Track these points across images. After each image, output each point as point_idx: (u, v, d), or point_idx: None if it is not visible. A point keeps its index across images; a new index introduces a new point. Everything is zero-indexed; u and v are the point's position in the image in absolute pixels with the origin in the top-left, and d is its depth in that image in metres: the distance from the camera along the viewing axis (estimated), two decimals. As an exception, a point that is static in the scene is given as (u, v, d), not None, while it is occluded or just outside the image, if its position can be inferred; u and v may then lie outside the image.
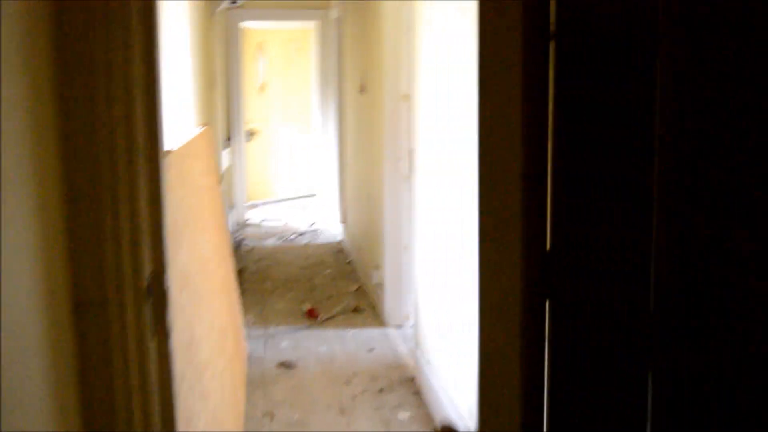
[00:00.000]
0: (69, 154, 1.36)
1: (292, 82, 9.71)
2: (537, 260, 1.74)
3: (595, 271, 1.91)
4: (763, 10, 1.40)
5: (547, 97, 1.82)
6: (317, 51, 8.44)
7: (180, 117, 3.80)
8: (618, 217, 2.03)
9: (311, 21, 8.34)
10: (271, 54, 9.65)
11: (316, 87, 8.61)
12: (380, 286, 5.02)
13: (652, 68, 1.83)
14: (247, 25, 8.62)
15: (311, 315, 5.08)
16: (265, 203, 9.48)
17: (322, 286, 5.85)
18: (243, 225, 8.19)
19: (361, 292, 5.64)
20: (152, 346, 1.52)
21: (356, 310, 5.22)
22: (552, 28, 2.32)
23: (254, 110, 9.54)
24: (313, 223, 8.23)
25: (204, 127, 4.33)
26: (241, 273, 6.11)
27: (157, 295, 1.52)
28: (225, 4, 6.76)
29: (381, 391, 3.87)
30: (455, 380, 3.21)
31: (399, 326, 4.82)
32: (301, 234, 7.78)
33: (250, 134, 9.15)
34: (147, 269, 1.46)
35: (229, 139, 7.87)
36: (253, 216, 8.71)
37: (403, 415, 3.60)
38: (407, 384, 3.94)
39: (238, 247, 7.10)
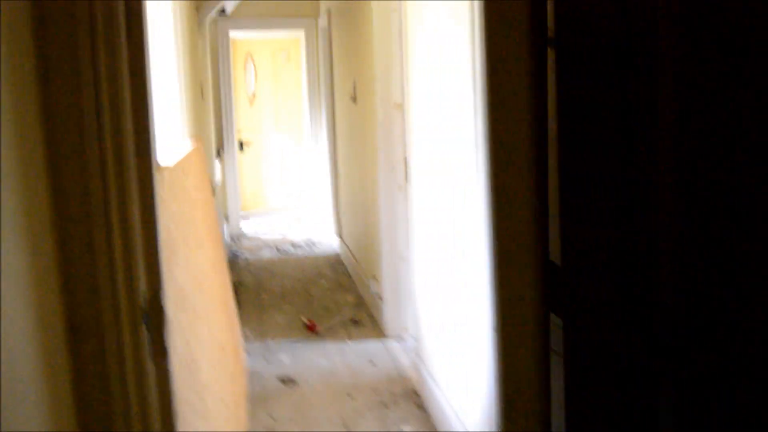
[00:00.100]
0: (57, 171, 1.29)
1: (282, 92, 9.65)
2: (544, 273, 1.69)
3: (600, 283, 1.85)
4: (763, 9, 1.35)
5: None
6: (306, 60, 8.39)
7: (171, 129, 3.72)
8: (622, 224, 1.98)
9: (300, 30, 8.29)
10: (261, 64, 9.58)
11: (306, 96, 8.55)
12: (378, 296, 4.95)
13: (652, 70, 1.77)
14: (236, 35, 8.56)
15: (310, 327, 5.00)
16: (259, 214, 9.40)
17: (320, 297, 5.77)
18: (238, 237, 8.11)
19: (360, 303, 5.57)
20: (151, 368, 1.45)
21: (355, 321, 5.14)
22: (550, 34, 2.27)
23: (245, 120, 9.46)
24: (309, 235, 8.15)
25: (196, 140, 4.25)
26: (237, 286, 6.03)
27: (154, 315, 1.45)
28: (213, 14, 6.70)
29: (384, 405, 3.79)
30: (460, 393, 3.13)
31: (399, 337, 4.74)
32: (297, 245, 7.70)
33: (242, 145, 9.07)
34: (142, 289, 1.39)
35: (220, 150, 7.79)
36: (247, 227, 8.62)
37: (408, 429, 3.52)
38: (411, 397, 3.87)
39: (233, 260, 7.02)
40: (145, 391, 1.43)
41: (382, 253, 4.76)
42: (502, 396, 2.56)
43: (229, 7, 7.42)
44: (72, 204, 1.30)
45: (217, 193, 6.12)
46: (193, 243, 2.90)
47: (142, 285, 1.37)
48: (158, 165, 1.78)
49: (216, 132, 7.58)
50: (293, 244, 7.73)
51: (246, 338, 4.81)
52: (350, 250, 6.42)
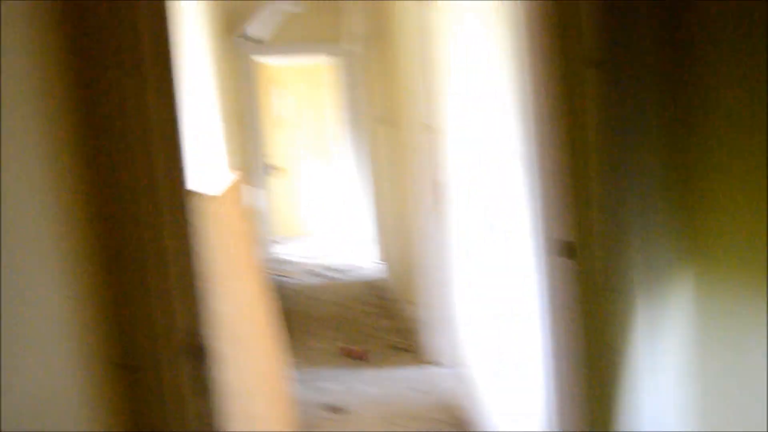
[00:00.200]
0: (93, 208, 1.26)
1: (314, 117, 9.68)
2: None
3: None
4: None
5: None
6: (337, 84, 8.40)
7: (209, 157, 3.72)
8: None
9: (330, 54, 8.31)
10: (292, 89, 9.64)
11: (339, 121, 8.56)
12: (420, 322, 4.87)
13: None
14: (267, 60, 8.60)
15: (352, 354, 4.94)
16: (295, 239, 9.40)
17: (361, 323, 5.71)
18: (276, 263, 8.10)
19: (401, 328, 5.49)
20: (194, 407, 1.40)
21: (399, 348, 5.06)
22: (594, 55, 2.20)
23: (279, 146, 9.50)
24: (346, 259, 8.12)
25: (234, 167, 4.25)
26: (279, 313, 6.00)
27: (196, 351, 1.41)
28: (242, 41, 6.75)
29: (431, 432, 3.71)
30: (509, 420, 3.04)
31: (442, 364, 4.66)
32: (335, 270, 7.66)
33: (276, 170, 9.10)
34: (184, 324, 1.34)
35: (256, 176, 7.81)
36: (284, 253, 8.62)
37: (457, 457, 3.43)
38: (457, 425, 3.78)
39: (273, 286, 7.00)
40: (187, 427, 1.39)
41: (422, 277, 4.70)
42: (555, 423, 2.47)
43: (260, 33, 7.47)
44: (108, 240, 1.27)
45: (254, 219, 6.13)
46: (235, 272, 2.87)
47: (183, 320, 1.33)
48: (200, 195, 1.76)
49: (250, 158, 7.60)
50: (331, 269, 7.69)
51: (289, 366, 4.76)
52: (389, 275, 6.36)
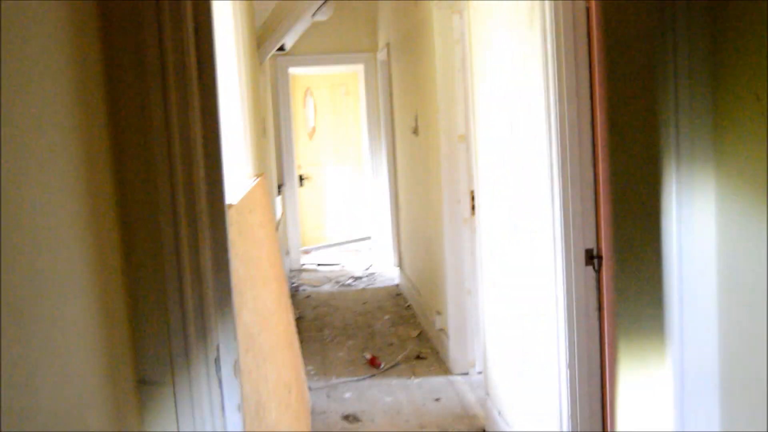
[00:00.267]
0: (127, 221, 1.26)
1: (341, 126, 9.70)
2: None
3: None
4: None
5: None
6: (366, 94, 8.42)
7: (236, 166, 3.74)
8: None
9: (359, 64, 8.34)
10: (320, 98, 9.67)
11: (366, 129, 8.57)
12: (443, 332, 4.85)
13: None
14: (295, 71, 8.65)
15: (373, 363, 4.93)
16: (319, 248, 9.41)
17: (382, 332, 5.70)
18: (298, 271, 8.12)
19: (423, 338, 5.47)
20: (219, 421, 1.40)
21: (419, 357, 5.05)
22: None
23: (305, 155, 9.53)
24: (369, 267, 8.11)
25: (259, 176, 4.27)
26: (299, 321, 6.01)
27: (226, 364, 1.40)
28: (273, 51, 6.78)
29: (452, 444, 3.69)
30: (532, 419, 3.01)
31: (465, 374, 4.63)
32: (358, 278, 7.66)
33: (302, 179, 9.13)
34: (215, 340, 1.35)
35: (281, 185, 7.85)
36: (308, 261, 8.63)
37: (478, 471, 3.40)
38: (479, 436, 3.75)
39: (294, 294, 7.01)
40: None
41: (446, 286, 4.68)
42: (577, 424, 2.46)
43: (289, 43, 7.52)
44: (142, 253, 1.27)
45: (278, 227, 6.15)
46: (259, 281, 2.88)
47: (214, 336, 1.34)
48: (231, 205, 1.76)
49: (277, 167, 7.64)
50: (354, 278, 7.69)
51: (309, 375, 4.76)
52: (412, 283, 6.34)
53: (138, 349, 1.28)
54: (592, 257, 2.44)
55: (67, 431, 0.96)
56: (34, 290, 0.89)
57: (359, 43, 8.12)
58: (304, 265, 8.41)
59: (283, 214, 7.77)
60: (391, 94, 7.07)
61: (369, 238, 9.08)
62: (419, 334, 5.55)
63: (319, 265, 8.48)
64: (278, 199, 7.05)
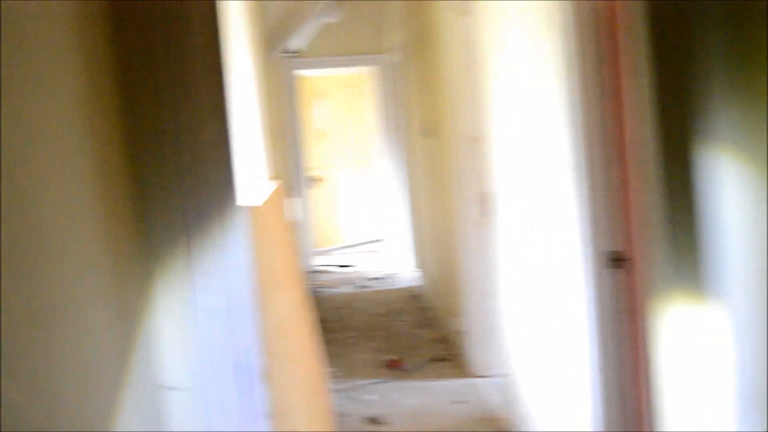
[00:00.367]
0: (141, 224, 1.24)
1: (353, 127, 9.68)
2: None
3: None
4: None
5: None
6: (377, 95, 8.38)
7: (251, 169, 3.72)
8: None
9: (370, 65, 8.30)
10: (331, 100, 9.65)
11: (378, 131, 8.54)
12: (464, 334, 4.81)
13: None
14: (305, 72, 8.62)
15: (394, 366, 4.89)
16: (334, 249, 9.39)
17: (402, 334, 5.66)
18: (316, 273, 8.10)
19: (444, 340, 5.43)
20: (244, 423, 1.37)
21: (441, 359, 5.00)
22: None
23: (318, 157, 9.51)
24: (386, 269, 8.08)
25: (274, 178, 4.25)
26: (318, 323, 5.98)
27: (252, 370, 1.37)
28: (283, 54, 6.77)
29: (477, 446, 3.64)
30: (553, 419, 2.97)
31: (487, 376, 4.58)
32: (375, 280, 7.63)
33: (315, 181, 9.11)
34: (242, 346, 1.31)
35: (295, 187, 7.83)
36: (324, 263, 8.61)
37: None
38: (503, 437, 3.71)
39: (313, 297, 6.99)
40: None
41: (466, 288, 4.63)
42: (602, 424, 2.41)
43: (300, 45, 7.49)
44: (159, 258, 1.25)
45: (294, 229, 6.13)
46: (277, 285, 2.85)
47: (242, 342, 1.30)
48: (245, 207, 1.73)
49: (290, 169, 7.62)
50: (371, 279, 7.66)
51: (331, 377, 4.73)
52: (430, 285, 6.31)
53: (162, 355, 1.25)
54: (618, 259, 2.38)
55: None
56: (61, 299, 0.87)
57: (370, 45, 8.08)
58: (320, 267, 8.39)
59: (298, 215, 7.75)
60: (403, 95, 7.03)
61: (385, 239, 9.04)
62: (439, 336, 5.51)
63: (335, 266, 8.45)
64: (293, 201, 7.03)
